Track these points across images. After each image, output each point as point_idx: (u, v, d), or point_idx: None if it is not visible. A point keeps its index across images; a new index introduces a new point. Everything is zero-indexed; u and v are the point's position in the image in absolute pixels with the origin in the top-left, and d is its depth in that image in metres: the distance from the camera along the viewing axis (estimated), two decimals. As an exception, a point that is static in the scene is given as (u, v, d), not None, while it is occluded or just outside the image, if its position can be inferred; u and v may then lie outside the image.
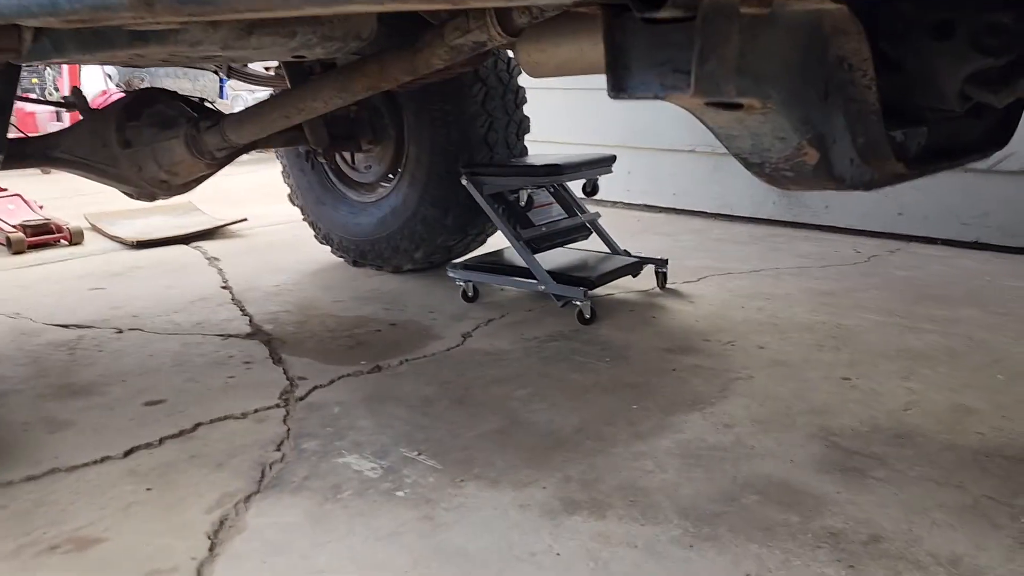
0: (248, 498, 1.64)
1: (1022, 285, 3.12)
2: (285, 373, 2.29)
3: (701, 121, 0.88)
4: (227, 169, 6.94)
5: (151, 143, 2.49)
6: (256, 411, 2.04)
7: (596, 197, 4.96)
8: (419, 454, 1.81)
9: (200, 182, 2.67)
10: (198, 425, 1.96)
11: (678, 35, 0.74)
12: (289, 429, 1.94)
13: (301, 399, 2.12)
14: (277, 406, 2.07)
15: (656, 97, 0.74)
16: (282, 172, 3.70)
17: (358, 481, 1.69)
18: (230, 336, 2.62)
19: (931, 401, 2.05)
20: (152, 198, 2.68)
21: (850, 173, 0.96)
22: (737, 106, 0.81)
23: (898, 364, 2.30)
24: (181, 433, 1.92)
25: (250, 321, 2.77)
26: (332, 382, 2.22)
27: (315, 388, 2.18)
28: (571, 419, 1.98)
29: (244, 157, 7.65)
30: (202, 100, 2.72)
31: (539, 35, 1.84)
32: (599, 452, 1.81)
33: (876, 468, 1.72)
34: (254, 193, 5.69)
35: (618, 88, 0.75)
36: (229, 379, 2.26)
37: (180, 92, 2.68)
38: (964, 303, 2.88)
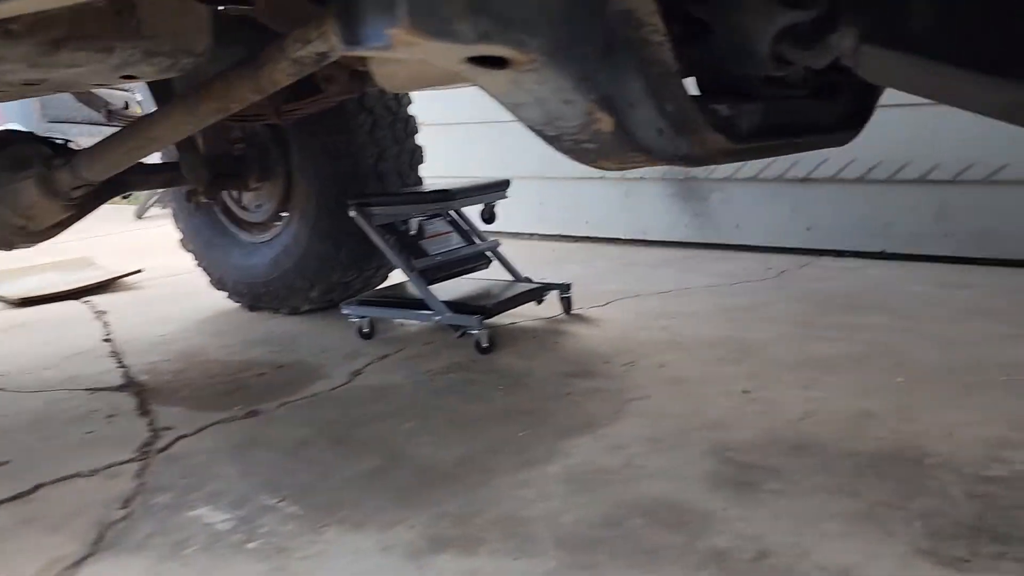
0: (79, 562, 1.46)
1: (926, 290, 3.10)
2: (150, 424, 2.11)
3: (484, 90, 0.79)
4: (138, 223, 6.67)
5: (3, 187, 2.31)
6: (108, 467, 1.86)
7: (511, 229, 4.88)
8: (280, 501, 1.65)
9: (63, 227, 2.49)
10: (39, 486, 1.77)
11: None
12: (142, 483, 1.77)
13: (162, 450, 1.94)
14: (133, 460, 1.89)
15: (387, 47, 0.64)
16: (172, 216, 3.54)
17: (206, 535, 1.53)
18: (99, 390, 2.43)
19: (831, 408, 1.98)
20: (10, 247, 2.49)
21: (659, 144, 0.87)
22: (501, 62, 0.71)
23: (800, 374, 2.23)
24: (18, 496, 1.73)
25: (125, 373, 2.58)
26: (200, 430, 2.05)
27: (180, 438, 2.01)
28: (456, 451, 1.85)
29: (157, 211, 7.38)
30: (65, 141, 2.55)
31: (390, 45, 1.74)
32: (480, 484, 1.68)
33: (770, 480, 1.63)
34: (161, 244, 5.46)
35: (351, 40, 0.65)
36: (87, 435, 2.07)
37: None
38: (870, 311, 2.84)
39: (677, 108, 0.87)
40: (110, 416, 2.19)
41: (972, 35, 0.84)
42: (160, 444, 1.97)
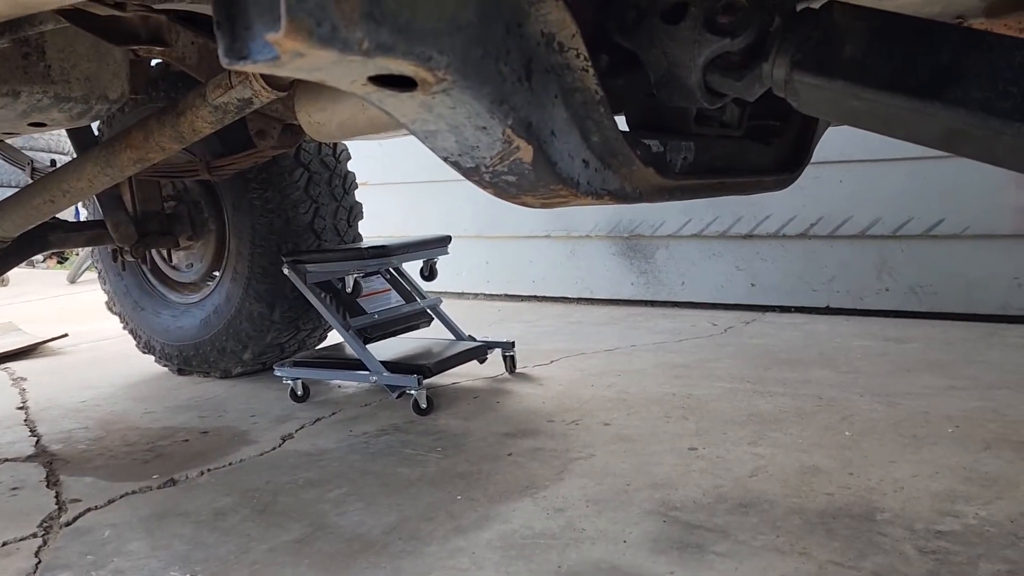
0: (-43, 655, 1.31)
1: (870, 344, 3.10)
2: (57, 496, 1.95)
3: (393, 117, 0.72)
4: (70, 288, 6.44)
5: (-93, 243, 2.18)
6: (4, 544, 1.69)
7: (457, 289, 4.81)
8: (191, 577, 1.51)
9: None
10: (-77, 568, 1.61)
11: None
12: (39, 562, 1.61)
13: (68, 524, 1.79)
14: (34, 536, 1.73)
15: (275, 60, 0.57)
16: (98, 277, 3.39)
17: (105, 618, 1.39)
18: (6, 461, 2.26)
19: (779, 465, 1.91)
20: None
21: (586, 177, 0.81)
22: (409, 83, 0.65)
23: (747, 430, 2.17)
24: None
25: (37, 442, 2.41)
26: (111, 502, 1.90)
27: (88, 510, 1.85)
28: (386, 518, 1.73)
29: (91, 275, 7.14)
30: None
31: (316, 92, 1.68)
32: (409, 553, 1.57)
33: (717, 541, 1.54)
34: (92, 309, 5.26)
35: (236, 54, 0.58)
36: (-15, 509, 1.90)
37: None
38: (815, 365, 2.82)
39: (603, 139, 0.81)
40: (14, 489, 2.02)
41: (905, 60, 0.81)
42: (65, 518, 1.82)
